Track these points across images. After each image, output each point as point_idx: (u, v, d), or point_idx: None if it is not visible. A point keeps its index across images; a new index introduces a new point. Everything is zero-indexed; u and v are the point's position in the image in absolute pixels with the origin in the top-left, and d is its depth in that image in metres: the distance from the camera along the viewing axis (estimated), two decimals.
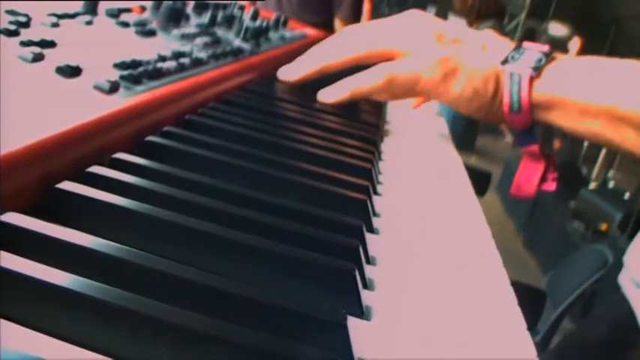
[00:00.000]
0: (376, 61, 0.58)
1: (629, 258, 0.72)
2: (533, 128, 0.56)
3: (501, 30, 3.25)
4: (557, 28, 6.90)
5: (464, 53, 0.55)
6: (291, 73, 0.61)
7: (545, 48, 0.54)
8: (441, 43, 0.56)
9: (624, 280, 0.69)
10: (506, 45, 0.56)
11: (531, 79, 0.52)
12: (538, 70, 0.53)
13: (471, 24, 3.07)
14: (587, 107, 0.52)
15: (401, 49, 0.57)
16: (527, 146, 0.57)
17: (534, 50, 0.54)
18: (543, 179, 0.58)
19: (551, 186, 0.58)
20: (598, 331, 0.77)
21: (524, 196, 0.59)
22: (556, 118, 0.54)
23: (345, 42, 0.60)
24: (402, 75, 0.55)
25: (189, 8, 0.64)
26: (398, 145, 0.58)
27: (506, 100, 0.54)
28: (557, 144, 4.29)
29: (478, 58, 0.55)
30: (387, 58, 0.57)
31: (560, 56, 0.54)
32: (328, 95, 0.58)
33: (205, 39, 0.56)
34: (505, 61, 0.54)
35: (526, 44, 0.55)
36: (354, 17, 1.99)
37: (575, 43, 5.29)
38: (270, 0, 1.95)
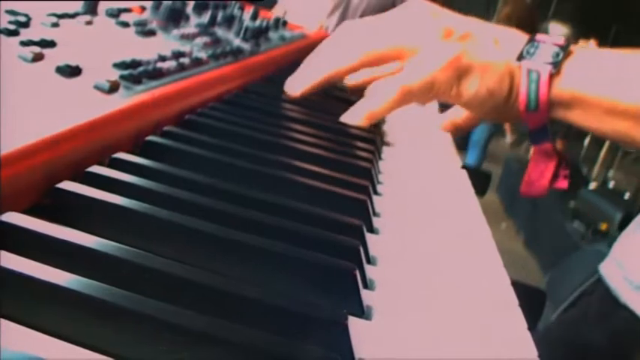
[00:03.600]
0: (384, 63, 0.56)
1: (620, 252, 0.69)
2: (546, 125, 0.53)
3: None
4: (557, 28, 6.90)
5: (475, 49, 0.51)
6: (296, 85, 0.57)
7: (561, 40, 0.51)
8: (449, 39, 0.52)
9: (617, 280, 0.67)
10: (519, 38, 0.52)
11: (550, 76, 0.49)
12: (557, 65, 0.49)
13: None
14: (613, 105, 0.49)
15: (409, 46, 0.53)
16: (541, 144, 0.55)
17: (549, 43, 0.50)
18: (555, 176, 0.56)
19: (562, 183, 0.56)
20: (592, 335, 0.75)
21: (536, 194, 0.57)
22: (578, 117, 0.51)
23: (349, 45, 0.57)
24: (416, 84, 0.51)
25: (189, 8, 0.64)
26: (398, 145, 0.58)
27: (522, 98, 0.51)
28: (559, 145, 4.30)
29: (491, 54, 0.51)
30: (395, 59, 0.54)
31: (577, 49, 0.51)
32: (349, 118, 0.55)
33: (205, 39, 0.56)
34: (520, 57, 0.51)
35: (539, 37, 0.52)
36: None
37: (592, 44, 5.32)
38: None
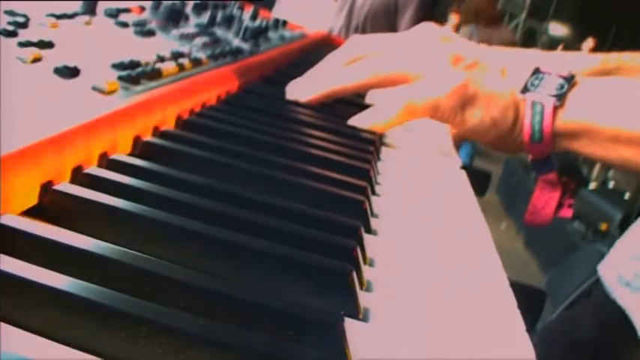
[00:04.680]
0: (389, 86, 0.56)
1: (616, 252, 0.70)
2: (550, 156, 0.54)
3: (514, 38, 3.68)
4: (557, 28, 6.90)
5: (481, 79, 0.52)
6: (299, 92, 0.58)
7: (565, 73, 0.51)
8: (457, 66, 0.53)
9: (610, 277, 0.68)
10: (526, 67, 0.53)
11: (554, 109, 0.50)
12: (561, 98, 0.50)
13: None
14: (618, 133, 0.49)
15: (414, 72, 0.54)
16: (545, 174, 0.56)
17: (554, 75, 0.51)
18: (559, 205, 0.56)
19: (567, 212, 0.56)
20: (585, 329, 0.76)
21: (540, 223, 0.57)
22: (583, 146, 0.51)
23: (357, 64, 0.57)
24: (422, 103, 0.52)
25: (189, 8, 0.64)
26: (397, 146, 0.58)
27: (527, 130, 0.51)
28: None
29: (496, 84, 0.52)
30: (401, 83, 0.54)
31: (581, 80, 0.51)
32: (354, 122, 0.55)
33: (204, 39, 0.56)
34: (525, 89, 0.51)
35: (544, 68, 0.52)
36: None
37: (588, 44, 5.34)
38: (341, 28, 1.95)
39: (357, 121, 0.55)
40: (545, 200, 0.57)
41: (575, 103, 0.50)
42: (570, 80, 0.51)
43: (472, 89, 0.52)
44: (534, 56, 0.61)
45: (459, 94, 0.51)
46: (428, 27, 0.59)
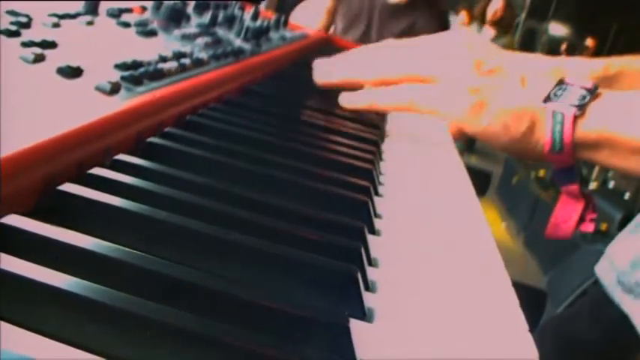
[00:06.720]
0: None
1: (614, 253, 0.70)
2: (573, 167, 0.53)
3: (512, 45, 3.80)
4: (557, 28, 6.91)
5: (497, 87, 0.52)
6: (321, 74, 0.59)
7: (589, 84, 0.51)
8: (476, 72, 0.53)
9: (608, 279, 0.68)
10: (548, 80, 0.53)
11: (575, 118, 0.49)
12: (582, 107, 0.49)
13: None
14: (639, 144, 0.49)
15: (434, 76, 0.54)
16: (567, 185, 0.55)
17: (577, 86, 0.51)
18: (581, 219, 0.55)
19: (589, 227, 0.55)
20: (584, 330, 0.75)
21: (561, 237, 0.57)
22: (605, 157, 0.51)
23: (382, 60, 0.58)
24: (422, 107, 0.53)
25: (190, 8, 0.64)
26: (399, 146, 0.58)
27: (547, 139, 0.51)
28: None
29: (512, 93, 0.52)
30: (422, 83, 0.55)
31: (605, 92, 0.51)
32: (349, 100, 0.57)
33: (206, 39, 0.56)
34: (547, 99, 0.51)
35: (568, 80, 0.52)
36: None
37: (588, 45, 5.39)
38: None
39: (353, 96, 0.56)
40: (567, 213, 0.56)
41: (597, 113, 0.50)
42: (593, 91, 0.50)
43: (482, 96, 0.52)
44: (540, 61, 0.60)
45: (468, 95, 0.52)
46: (461, 34, 0.59)
